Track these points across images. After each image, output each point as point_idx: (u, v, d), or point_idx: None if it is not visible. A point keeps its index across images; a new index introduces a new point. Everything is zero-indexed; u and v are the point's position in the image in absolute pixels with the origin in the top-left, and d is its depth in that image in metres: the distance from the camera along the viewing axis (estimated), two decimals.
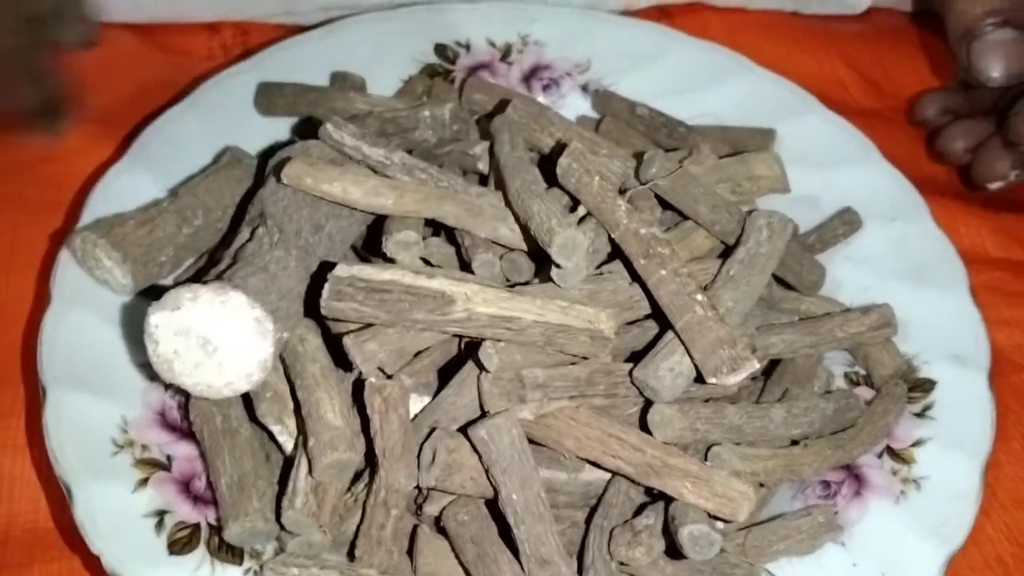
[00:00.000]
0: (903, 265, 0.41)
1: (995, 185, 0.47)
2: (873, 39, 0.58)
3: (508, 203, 0.35)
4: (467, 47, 0.48)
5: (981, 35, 0.44)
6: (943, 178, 0.52)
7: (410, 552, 0.32)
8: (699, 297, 0.32)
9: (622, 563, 0.31)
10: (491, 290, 0.31)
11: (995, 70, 0.44)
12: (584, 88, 0.48)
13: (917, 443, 0.36)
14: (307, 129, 0.43)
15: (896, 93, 0.56)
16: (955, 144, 0.48)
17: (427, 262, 0.36)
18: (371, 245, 0.38)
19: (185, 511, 0.32)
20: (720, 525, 0.32)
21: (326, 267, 0.32)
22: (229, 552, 0.32)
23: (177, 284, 0.32)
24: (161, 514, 0.32)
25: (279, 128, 0.44)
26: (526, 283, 0.35)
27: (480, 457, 0.30)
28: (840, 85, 0.56)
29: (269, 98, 0.44)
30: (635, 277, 0.34)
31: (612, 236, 0.35)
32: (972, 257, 0.47)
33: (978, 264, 0.47)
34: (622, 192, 0.36)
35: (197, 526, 0.32)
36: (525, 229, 0.34)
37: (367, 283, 0.31)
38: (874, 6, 0.58)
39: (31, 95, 0.42)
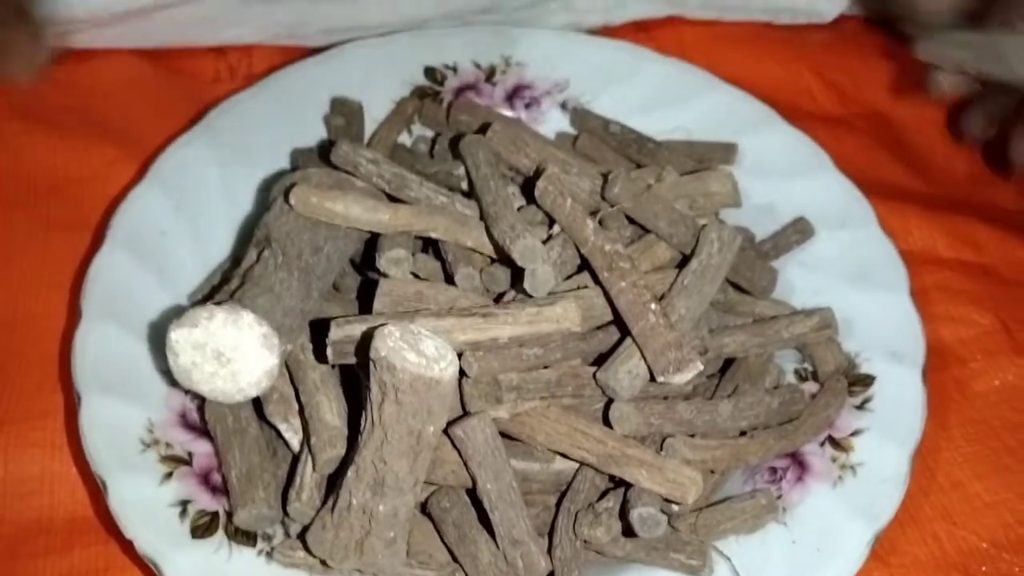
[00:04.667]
0: (850, 269, 0.45)
1: None
2: (840, 48, 0.61)
3: (482, 217, 0.39)
4: (454, 69, 0.52)
5: None
6: (901, 182, 0.55)
7: None
8: (653, 306, 0.36)
9: (586, 541, 0.35)
10: (467, 320, 0.35)
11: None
12: (563, 106, 0.51)
13: (855, 433, 0.40)
14: (308, 156, 0.47)
15: (861, 100, 0.59)
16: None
17: (416, 276, 0.40)
18: (367, 261, 0.42)
19: (205, 501, 0.37)
20: (674, 508, 0.36)
21: (323, 325, 0.36)
22: (244, 536, 0.36)
23: (194, 304, 0.37)
24: (184, 504, 0.36)
25: (282, 150, 0.47)
26: (503, 294, 0.39)
27: (459, 452, 0.35)
28: (808, 93, 0.59)
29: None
30: (600, 287, 0.38)
31: (581, 251, 0.39)
32: (924, 258, 0.50)
33: (929, 264, 0.50)
34: (594, 214, 0.40)
35: (216, 514, 0.36)
36: (494, 240, 0.38)
37: (358, 339, 0.35)
38: (841, 15, 0.61)
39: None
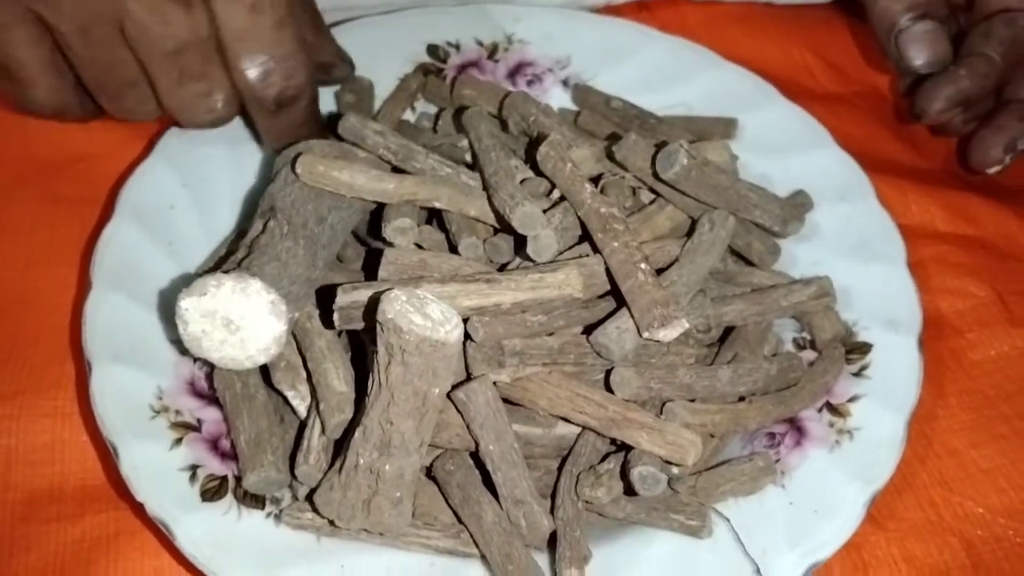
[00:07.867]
0: (849, 241, 0.45)
1: (993, 170, 0.51)
2: (839, 26, 0.62)
3: (485, 187, 0.40)
4: (457, 47, 0.53)
5: (905, 28, 0.49)
6: (899, 158, 0.56)
7: None
8: (642, 265, 0.37)
9: (587, 502, 0.36)
10: (470, 285, 0.36)
11: (920, 58, 0.50)
12: (565, 83, 0.52)
13: (853, 399, 0.40)
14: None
15: (860, 78, 0.60)
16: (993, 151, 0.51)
17: (419, 246, 0.41)
18: (372, 231, 0.43)
19: (214, 465, 0.37)
20: (675, 470, 0.37)
21: (329, 293, 0.36)
22: (252, 499, 0.37)
23: (203, 273, 0.37)
24: (194, 468, 0.37)
25: None
26: (507, 263, 0.40)
27: (461, 415, 0.35)
28: (808, 72, 0.60)
29: None
30: (595, 251, 0.39)
31: (578, 214, 0.39)
32: (921, 232, 0.51)
33: (927, 238, 0.51)
34: (595, 180, 0.41)
35: (225, 478, 0.37)
36: (495, 209, 0.39)
37: (364, 304, 0.35)
38: None
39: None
